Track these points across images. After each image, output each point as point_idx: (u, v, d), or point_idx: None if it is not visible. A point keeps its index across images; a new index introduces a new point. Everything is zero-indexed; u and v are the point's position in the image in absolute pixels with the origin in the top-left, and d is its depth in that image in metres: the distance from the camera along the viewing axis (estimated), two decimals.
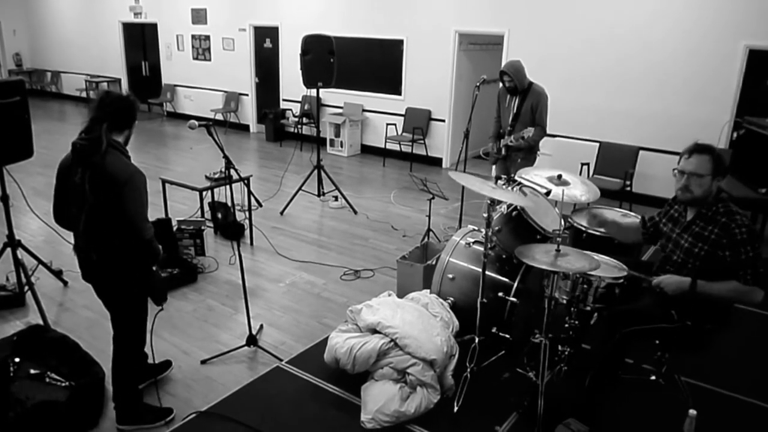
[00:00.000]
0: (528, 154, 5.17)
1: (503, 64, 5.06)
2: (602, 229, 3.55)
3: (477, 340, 3.42)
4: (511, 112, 5.09)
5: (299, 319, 4.32)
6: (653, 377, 3.46)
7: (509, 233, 3.58)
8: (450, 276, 3.81)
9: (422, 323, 3.39)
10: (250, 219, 5.76)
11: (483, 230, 3.49)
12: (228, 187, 3.98)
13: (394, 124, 9.53)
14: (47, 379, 3.09)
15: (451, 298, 3.77)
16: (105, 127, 2.71)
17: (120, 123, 2.81)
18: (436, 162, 9.39)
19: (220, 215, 5.99)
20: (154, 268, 3.01)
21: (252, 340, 3.84)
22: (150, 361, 3.39)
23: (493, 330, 3.55)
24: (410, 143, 9.16)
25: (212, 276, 5.01)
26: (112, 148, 2.73)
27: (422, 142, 9.27)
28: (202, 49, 12.01)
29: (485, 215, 3.36)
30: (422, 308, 3.60)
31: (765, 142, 5.43)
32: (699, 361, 3.66)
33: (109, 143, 2.71)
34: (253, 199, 6.05)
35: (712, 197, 2.88)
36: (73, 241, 2.91)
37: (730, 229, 2.76)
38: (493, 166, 5.37)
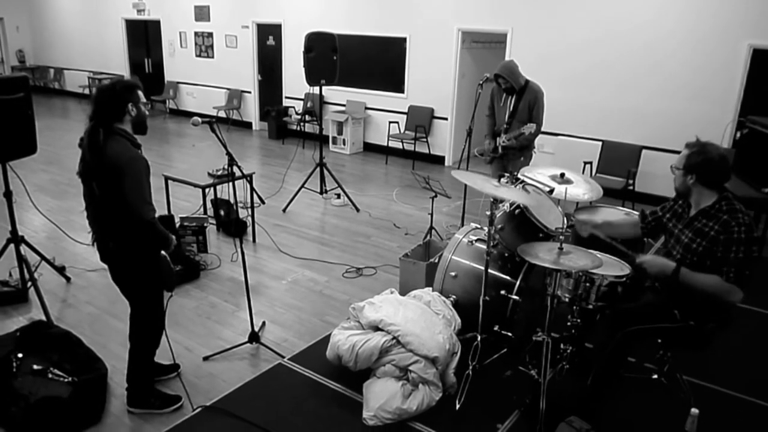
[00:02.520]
0: (525, 151, 5.17)
1: (498, 66, 5.03)
2: (595, 232, 3.43)
3: (479, 338, 3.43)
4: (507, 110, 5.08)
5: (301, 316, 4.33)
6: (655, 376, 3.46)
7: (512, 231, 3.58)
8: (452, 274, 3.81)
9: (424, 321, 3.39)
10: (252, 216, 5.77)
11: (485, 228, 3.49)
12: (231, 184, 3.99)
13: (397, 122, 9.52)
14: (50, 375, 3.10)
15: (454, 296, 3.77)
16: (92, 125, 2.78)
17: (110, 113, 2.81)
18: (439, 160, 9.39)
19: (222, 212, 5.99)
20: (164, 254, 3.05)
21: (254, 337, 3.84)
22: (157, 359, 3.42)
23: (496, 328, 3.55)
24: (413, 141, 9.15)
25: (215, 273, 5.01)
26: (117, 135, 2.79)
27: (425, 140, 9.27)
28: (205, 46, 12.01)
29: (488, 213, 3.36)
30: (424, 306, 3.60)
31: None
32: (701, 360, 3.66)
33: (111, 132, 2.77)
34: (255, 196, 6.06)
35: (710, 195, 2.86)
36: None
37: (729, 226, 2.75)
38: (490, 166, 5.36)
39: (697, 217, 2.92)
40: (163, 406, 3.19)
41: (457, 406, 3.22)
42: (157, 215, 2.92)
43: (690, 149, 2.88)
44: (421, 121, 9.21)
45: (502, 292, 3.55)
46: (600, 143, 7.41)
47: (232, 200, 4.24)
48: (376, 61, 9.63)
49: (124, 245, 2.90)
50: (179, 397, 3.26)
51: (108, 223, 2.87)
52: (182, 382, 3.35)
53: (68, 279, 4.75)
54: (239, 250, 3.79)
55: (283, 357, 3.73)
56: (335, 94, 10.06)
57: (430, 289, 3.90)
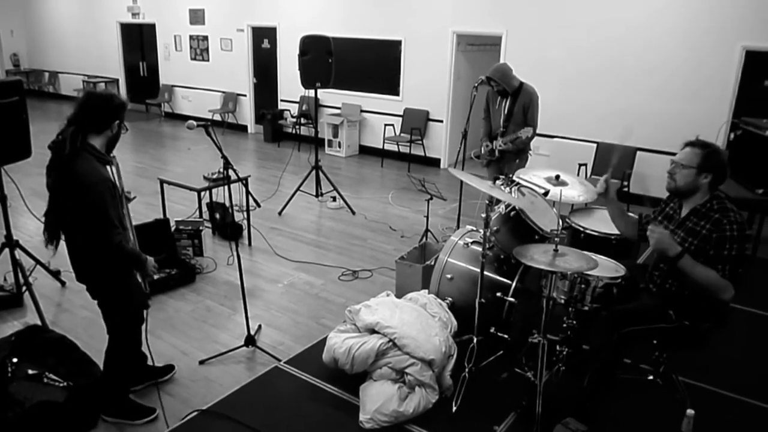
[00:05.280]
0: (521, 154, 5.18)
1: (490, 69, 5.03)
2: (608, 204, 3.35)
3: (475, 340, 3.43)
4: (502, 113, 5.09)
5: (297, 320, 4.32)
6: (651, 377, 3.47)
7: (507, 233, 3.59)
8: (448, 276, 3.82)
9: (421, 323, 3.39)
10: (248, 219, 5.76)
11: (481, 230, 3.50)
12: (226, 187, 3.98)
13: (392, 125, 9.53)
14: (45, 380, 3.09)
15: (450, 299, 3.78)
16: (72, 129, 2.68)
17: (93, 125, 2.73)
18: (434, 162, 9.40)
19: (218, 216, 5.98)
20: (138, 277, 3.00)
21: (250, 341, 3.84)
22: (150, 362, 3.39)
23: (492, 330, 3.55)
24: (408, 144, 9.16)
25: (210, 276, 5.01)
26: (86, 153, 2.69)
27: (420, 142, 9.28)
28: (200, 49, 12.00)
29: (483, 215, 3.37)
30: (421, 308, 3.60)
31: (762, 143, 5.44)
32: (697, 361, 3.68)
33: (80, 147, 2.67)
34: (251, 199, 6.05)
35: (705, 194, 2.88)
36: None
37: (721, 224, 2.76)
38: (486, 168, 5.36)
39: (689, 216, 2.93)
40: (136, 417, 3.13)
41: (454, 409, 3.22)
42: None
43: (702, 149, 2.85)
44: (416, 123, 9.22)
45: (498, 294, 3.55)
46: (595, 145, 7.43)
47: (227, 203, 4.24)
48: (372, 64, 9.64)
49: (91, 266, 2.84)
50: (153, 409, 3.19)
51: (73, 243, 2.82)
52: (159, 394, 3.28)
53: (63, 283, 4.73)
54: (235, 253, 3.79)
55: (280, 360, 3.73)
56: (330, 96, 10.06)
57: (426, 291, 3.90)
